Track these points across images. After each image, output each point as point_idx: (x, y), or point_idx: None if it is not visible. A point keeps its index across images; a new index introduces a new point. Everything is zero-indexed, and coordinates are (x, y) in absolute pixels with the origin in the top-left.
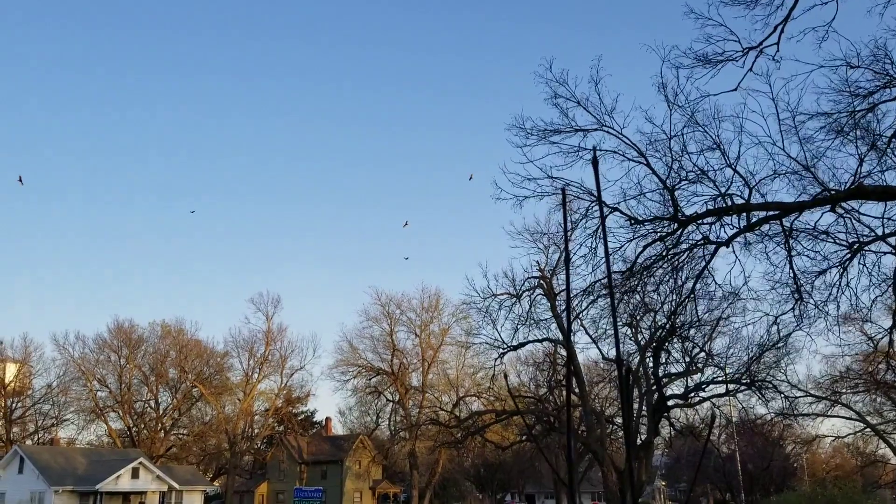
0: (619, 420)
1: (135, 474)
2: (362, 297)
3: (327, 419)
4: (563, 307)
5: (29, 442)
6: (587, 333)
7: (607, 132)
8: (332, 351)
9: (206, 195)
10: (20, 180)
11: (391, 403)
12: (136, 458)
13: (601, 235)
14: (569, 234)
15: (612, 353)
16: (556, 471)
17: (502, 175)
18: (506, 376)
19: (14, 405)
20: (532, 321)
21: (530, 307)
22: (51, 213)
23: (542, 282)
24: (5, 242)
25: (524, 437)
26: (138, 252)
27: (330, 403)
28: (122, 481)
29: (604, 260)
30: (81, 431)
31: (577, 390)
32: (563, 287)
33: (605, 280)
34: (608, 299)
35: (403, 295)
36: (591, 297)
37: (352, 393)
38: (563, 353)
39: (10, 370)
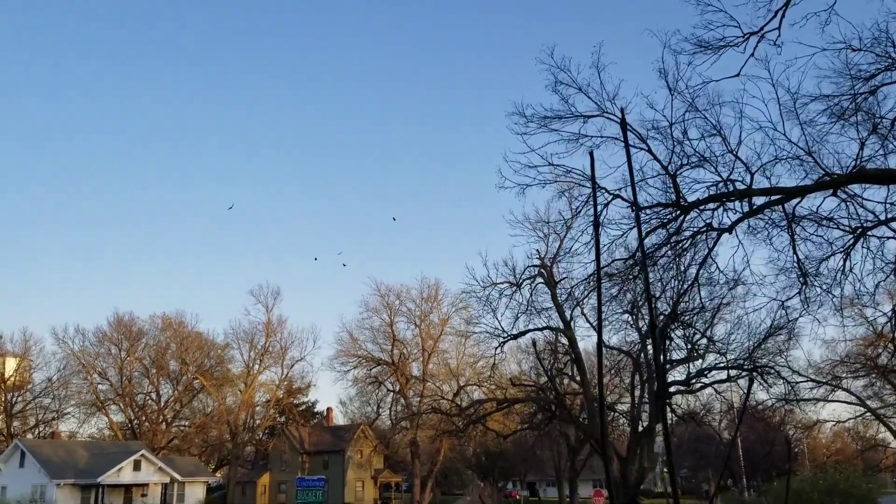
0: (620, 408)
1: (137, 466)
2: (362, 289)
3: (328, 409)
4: (564, 296)
5: (30, 436)
6: (588, 321)
7: (608, 118)
8: (332, 342)
9: (206, 187)
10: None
11: (392, 393)
12: (137, 451)
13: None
14: (570, 220)
15: (614, 341)
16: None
17: (505, 164)
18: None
19: (14, 399)
20: (532, 310)
21: (531, 296)
22: (50, 206)
23: (542, 270)
24: (4, 235)
25: (525, 426)
26: (138, 245)
27: (331, 394)
28: (124, 474)
29: (607, 248)
30: (82, 425)
31: (577, 378)
32: (564, 275)
33: (607, 267)
34: (611, 288)
35: (403, 285)
36: (594, 285)
37: (352, 383)
38: (564, 341)
39: (10, 364)
